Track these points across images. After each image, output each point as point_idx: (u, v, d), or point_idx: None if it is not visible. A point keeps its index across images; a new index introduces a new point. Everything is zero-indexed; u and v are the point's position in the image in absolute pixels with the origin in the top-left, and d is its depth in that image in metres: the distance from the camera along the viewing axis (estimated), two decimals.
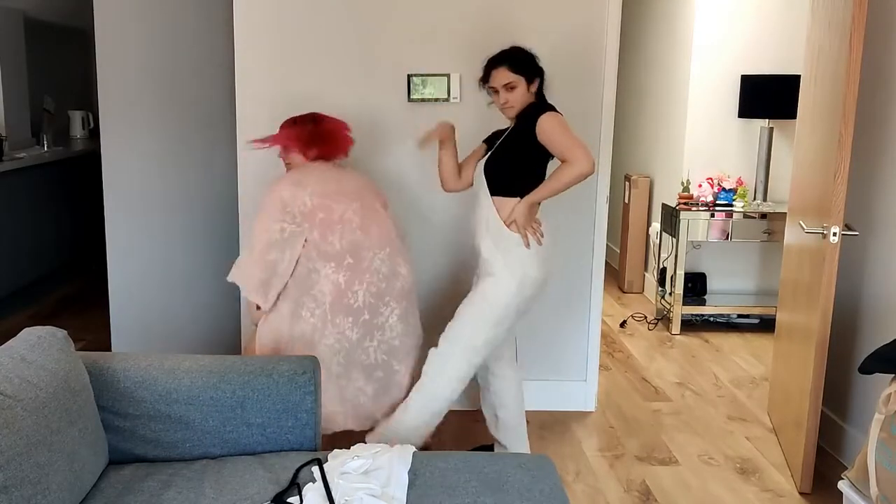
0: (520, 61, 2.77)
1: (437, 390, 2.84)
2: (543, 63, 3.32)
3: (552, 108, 2.77)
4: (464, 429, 3.52)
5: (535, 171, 2.81)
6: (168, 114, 3.92)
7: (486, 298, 2.81)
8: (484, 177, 2.85)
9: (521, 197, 2.76)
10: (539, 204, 2.81)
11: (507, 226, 2.77)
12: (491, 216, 2.81)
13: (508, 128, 2.89)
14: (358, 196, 2.81)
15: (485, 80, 2.81)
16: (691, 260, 5.17)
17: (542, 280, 2.83)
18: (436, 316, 3.61)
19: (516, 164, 2.80)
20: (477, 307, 2.83)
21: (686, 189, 5.03)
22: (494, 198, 2.81)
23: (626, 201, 5.97)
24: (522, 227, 2.75)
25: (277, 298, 2.76)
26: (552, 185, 2.71)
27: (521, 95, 2.76)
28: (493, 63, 2.79)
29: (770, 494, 3.02)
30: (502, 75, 2.75)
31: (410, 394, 2.86)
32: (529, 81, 2.77)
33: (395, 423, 2.84)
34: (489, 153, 2.89)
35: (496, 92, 2.79)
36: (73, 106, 6.80)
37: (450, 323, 2.89)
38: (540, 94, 2.85)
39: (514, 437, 3.08)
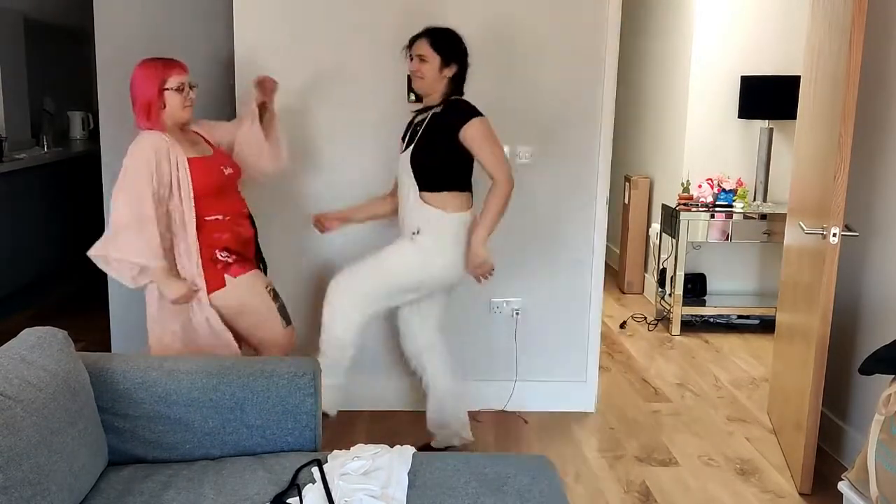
0: (441, 40, 2.85)
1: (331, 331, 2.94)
2: (543, 63, 3.32)
3: (477, 111, 2.83)
4: None
5: (466, 163, 2.88)
6: None
7: (385, 259, 2.91)
8: (412, 174, 2.86)
9: (453, 190, 2.85)
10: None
11: (476, 271, 2.87)
12: (425, 215, 2.85)
13: (421, 119, 2.91)
14: None
15: (410, 45, 2.91)
16: (691, 261, 5.17)
17: (447, 279, 2.92)
18: None
19: (446, 156, 2.85)
20: (374, 264, 2.92)
21: (686, 190, 5.03)
22: (425, 193, 2.84)
23: (626, 202, 5.97)
24: (489, 268, 2.86)
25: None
26: (493, 216, 2.83)
27: (430, 71, 2.84)
28: (420, 34, 2.89)
29: (770, 495, 3.02)
30: (421, 47, 2.85)
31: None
32: (444, 64, 2.84)
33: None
34: (412, 146, 2.88)
35: (412, 59, 2.89)
36: (73, 106, 6.79)
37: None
38: (457, 82, 2.91)
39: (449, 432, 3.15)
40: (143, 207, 2.57)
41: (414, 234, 2.86)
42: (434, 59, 2.83)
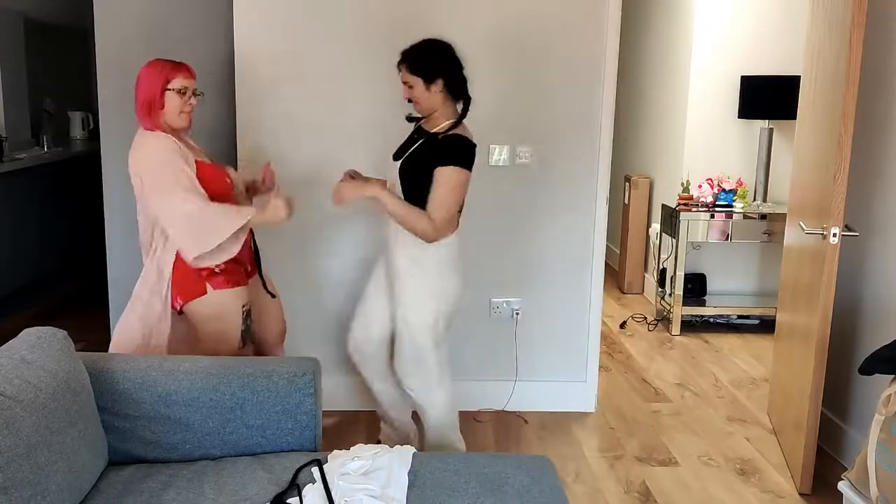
0: (415, 61, 2.72)
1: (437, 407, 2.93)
2: (543, 63, 3.28)
3: (464, 160, 2.71)
4: (463, 429, 3.52)
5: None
6: None
7: (410, 328, 2.81)
8: (399, 184, 2.78)
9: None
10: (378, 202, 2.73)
11: (336, 194, 2.72)
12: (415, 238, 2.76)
13: (422, 128, 2.84)
14: None
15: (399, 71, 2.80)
16: (691, 261, 5.17)
17: (459, 295, 2.85)
18: None
19: (427, 179, 2.74)
20: (408, 339, 2.83)
21: (686, 190, 5.03)
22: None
23: (626, 202, 5.98)
24: (343, 198, 2.71)
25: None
26: (402, 211, 2.69)
27: (420, 94, 2.73)
28: (400, 60, 2.76)
29: (770, 495, 3.02)
30: (404, 74, 2.74)
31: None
32: (428, 82, 2.71)
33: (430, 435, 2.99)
34: (404, 158, 2.79)
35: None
36: (73, 106, 6.79)
37: (398, 360, 2.88)
38: (452, 90, 2.77)
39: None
40: (197, 189, 2.58)
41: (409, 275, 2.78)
42: (417, 83, 2.71)
